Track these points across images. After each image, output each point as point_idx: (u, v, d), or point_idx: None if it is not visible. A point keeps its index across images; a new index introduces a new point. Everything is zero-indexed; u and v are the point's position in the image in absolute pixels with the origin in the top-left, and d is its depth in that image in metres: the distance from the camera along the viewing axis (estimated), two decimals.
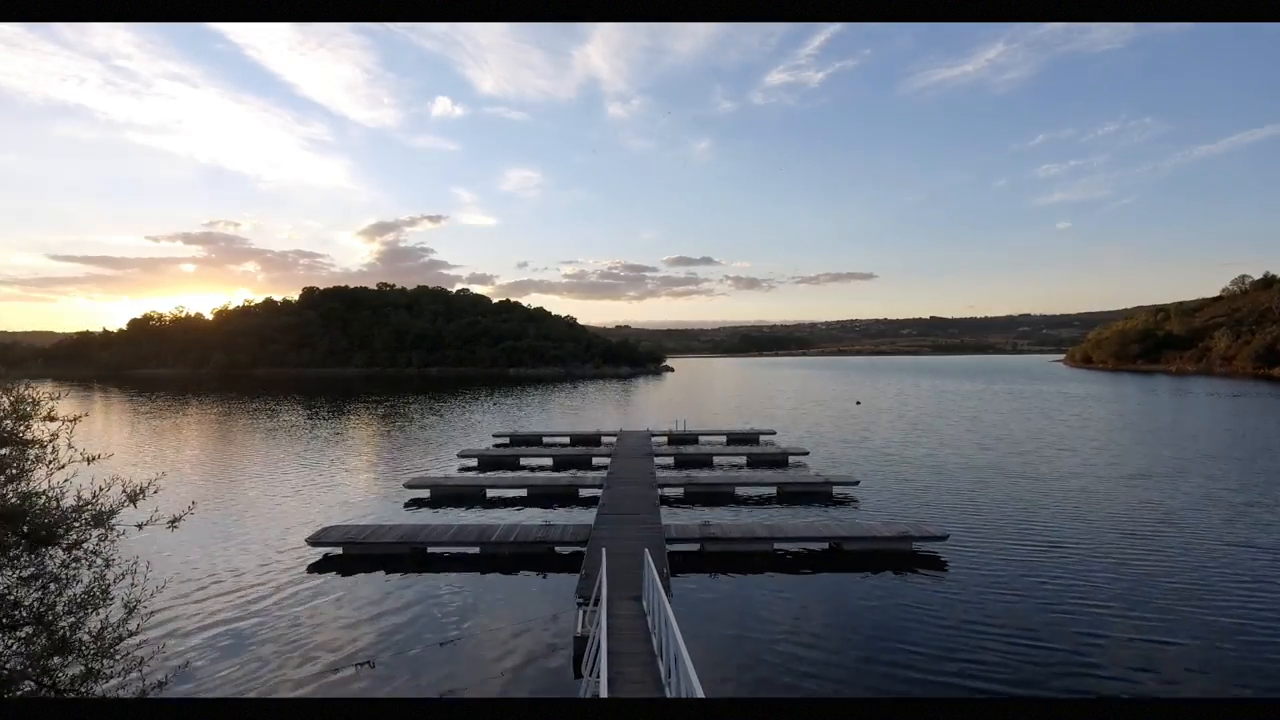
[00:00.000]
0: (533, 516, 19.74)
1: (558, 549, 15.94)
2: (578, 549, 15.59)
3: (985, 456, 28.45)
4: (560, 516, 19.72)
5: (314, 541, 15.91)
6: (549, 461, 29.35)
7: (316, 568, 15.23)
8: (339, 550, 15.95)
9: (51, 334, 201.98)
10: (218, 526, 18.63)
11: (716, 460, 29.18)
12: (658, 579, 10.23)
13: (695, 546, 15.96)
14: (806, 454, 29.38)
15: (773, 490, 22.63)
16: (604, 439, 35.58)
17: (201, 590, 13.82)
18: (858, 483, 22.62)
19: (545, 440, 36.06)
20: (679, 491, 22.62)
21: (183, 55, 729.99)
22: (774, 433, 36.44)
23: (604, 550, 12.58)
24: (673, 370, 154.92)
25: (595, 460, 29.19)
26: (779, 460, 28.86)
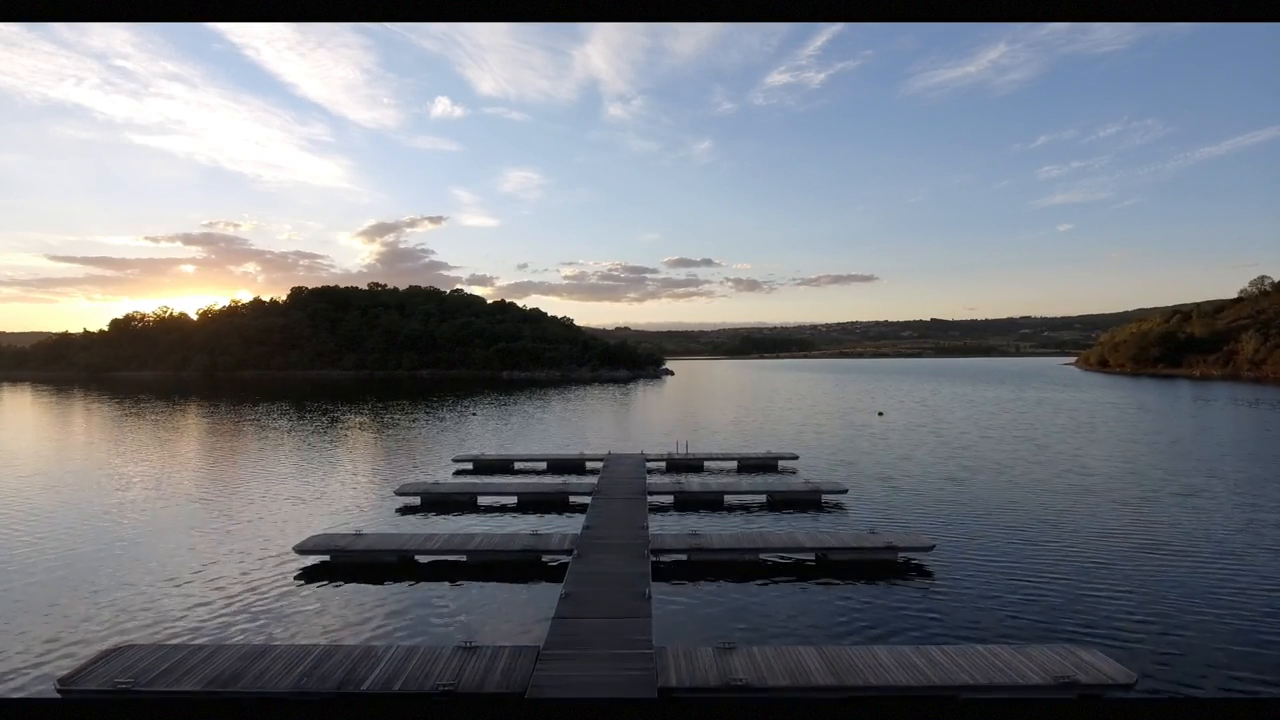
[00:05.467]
0: (459, 614, 13.22)
1: (477, 694, 9.43)
2: (511, 694, 9.15)
3: (1093, 508, 21.12)
4: (499, 614, 13.20)
5: (65, 686, 9.40)
6: (514, 500, 22.87)
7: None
8: (105, 687, 9.46)
9: (51, 335, 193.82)
10: None
11: (729, 499, 22.69)
12: None
13: (712, 693, 9.47)
14: (844, 491, 22.88)
15: (812, 556, 16.14)
16: (589, 463, 29.23)
17: None
18: (931, 547, 16.11)
19: (517, 466, 29.62)
20: (681, 557, 16.14)
21: (181, 55, 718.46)
22: (795, 457, 29.96)
23: None
24: (672, 373, 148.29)
25: (573, 498, 22.77)
26: (809, 499, 22.39)
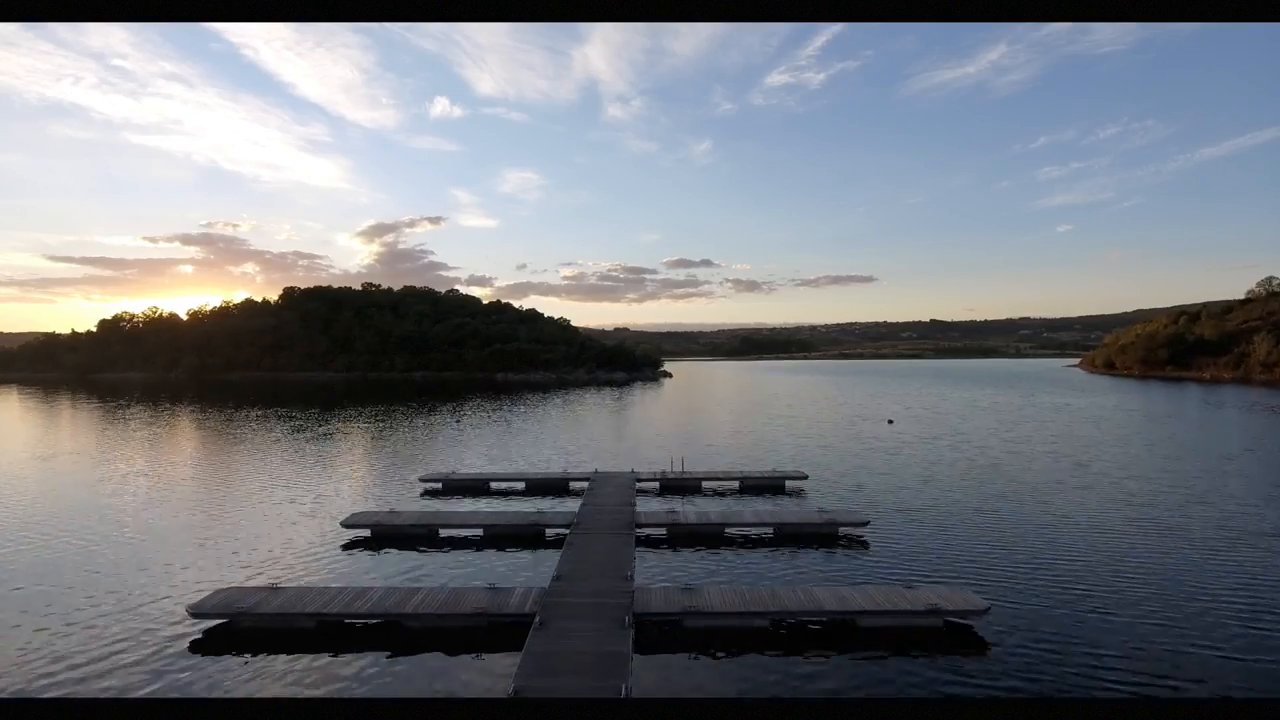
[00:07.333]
0: None
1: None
2: None
3: (1176, 558, 17.44)
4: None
5: None
6: (479, 533, 19.63)
7: None
8: None
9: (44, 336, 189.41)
10: None
11: (730, 532, 19.47)
12: None
13: None
14: (866, 524, 19.62)
15: (836, 620, 12.90)
16: (573, 483, 26.04)
17: None
18: (986, 610, 12.91)
19: (493, 486, 26.39)
20: (674, 622, 12.89)
21: (179, 55, 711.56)
22: (804, 477, 26.72)
23: None
24: (670, 375, 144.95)
25: (550, 531, 19.55)
26: (825, 533, 19.18)
